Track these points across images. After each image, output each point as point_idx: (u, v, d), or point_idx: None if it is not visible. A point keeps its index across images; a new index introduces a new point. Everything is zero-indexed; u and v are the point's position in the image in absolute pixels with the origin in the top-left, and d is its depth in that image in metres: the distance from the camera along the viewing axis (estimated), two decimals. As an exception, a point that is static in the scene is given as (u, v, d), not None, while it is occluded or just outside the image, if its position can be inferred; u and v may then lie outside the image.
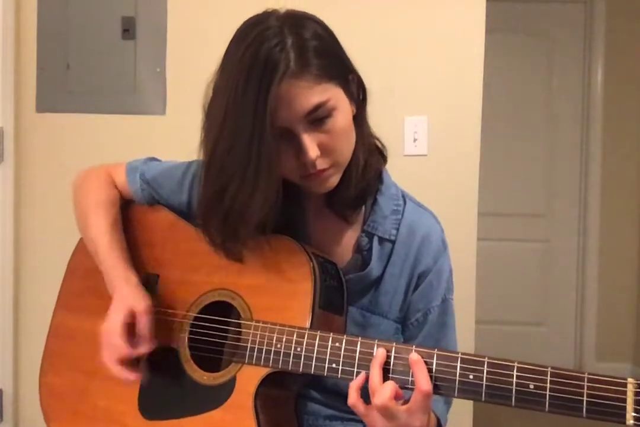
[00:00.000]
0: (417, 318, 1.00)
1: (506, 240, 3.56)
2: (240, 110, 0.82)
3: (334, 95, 0.86)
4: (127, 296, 0.95)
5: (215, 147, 0.86)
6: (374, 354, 0.80)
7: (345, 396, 0.90)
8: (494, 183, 3.28)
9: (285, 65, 0.81)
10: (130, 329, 0.94)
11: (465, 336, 1.79)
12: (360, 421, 1.01)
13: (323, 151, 0.86)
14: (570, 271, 3.61)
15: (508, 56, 3.46)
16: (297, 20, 0.86)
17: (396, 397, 0.77)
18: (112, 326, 0.93)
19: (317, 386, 0.99)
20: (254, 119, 0.81)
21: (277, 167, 0.84)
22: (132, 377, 0.93)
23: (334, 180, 0.92)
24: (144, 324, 0.94)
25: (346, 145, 0.91)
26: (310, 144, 0.85)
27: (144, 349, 0.93)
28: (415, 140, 1.94)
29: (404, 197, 1.03)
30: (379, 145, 1.01)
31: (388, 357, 0.80)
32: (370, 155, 0.96)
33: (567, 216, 3.60)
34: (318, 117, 0.85)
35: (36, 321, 2.00)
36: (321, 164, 0.87)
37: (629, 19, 3.43)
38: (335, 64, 0.88)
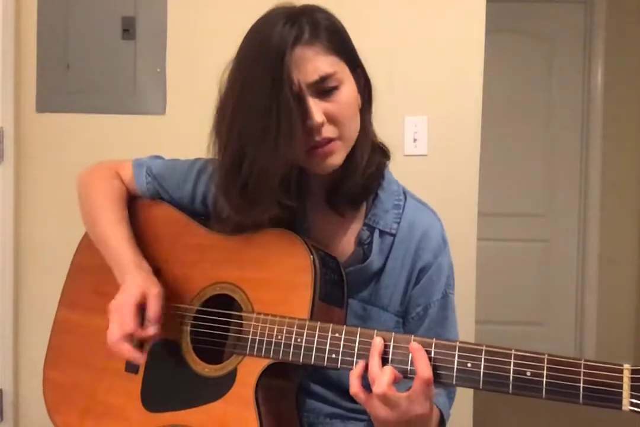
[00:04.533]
0: (418, 312, 1.01)
1: (506, 240, 3.56)
2: (258, 76, 0.85)
3: (342, 70, 0.90)
4: (139, 280, 0.96)
5: (234, 115, 0.88)
6: (372, 343, 0.80)
7: (348, 392, 0.90)
8: (494, 183, 3.28)
9: (299, 33, 0.86)
10: (139, 311, 0.94)
11: (465, 336, 1.78)
12: (362, 420, 1.02)
13: (329, 120, 0.89)
14: (570, 270, 3.61)
15: (508, 56, 3.46)
16: (313, 7, 0.92)
17: (395, 381, 0.78)
18: (125, 302, 0.93)
19: (320, 380, 1.00)
20: (273, 83, 0.84)
21: (297, 128, 0.85)
22: (136, 356, 0.93)
23: (337, 158, 0.92)
24: (155, 307, 0.93)
25: (351, 121, 0.92)
26: (316, 109, 0.87)
27: (152, 331, 0.93)
28: (415, 140, 1.94)
29: (405, 193, 1.05)
30: (381, 144, 1.02)
31: (387, 346, 0.80)
32: (373, 152, 0.97)
33: (567, 215, 3.60)
34: (326, 88, 0.88)
35: (36, 321, 2.00)
36: (327, 132, 0.89)
37: (629, 19, 3.43)
38: (345, 48, 0.92)
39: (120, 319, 0.92)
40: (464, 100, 1.94)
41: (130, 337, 0.92)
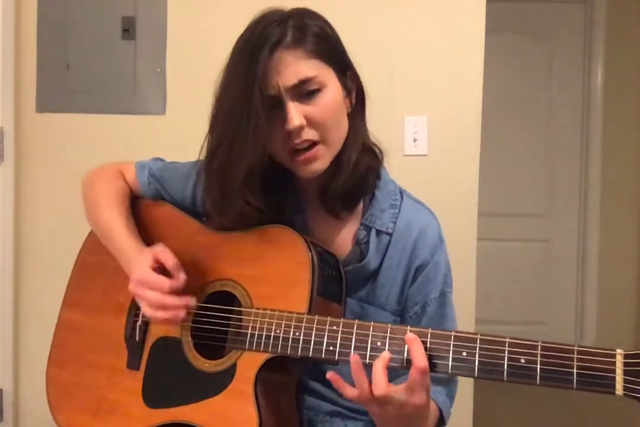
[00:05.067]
0: (416, 311, 1.02)
1: (506, 240, 3.56)
2: (235, 77, 0.88)
3: (325, 74, 0.91)
4: (145, 254, 0.96)
5: (219, 109, 0.92)
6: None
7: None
8: (494, 183, 3.28)
9: (281, 36, 0.87)
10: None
11: (465, 336, 1.79)
12: (361, 420, 1.02)
13: (310, 123, 0.90)
14: (570, 270, 3.61)
15: (508, 56, 3.46)
16: (304, 12, 0.93)
17: (389, 363, 0.78)
18: (143, 270, 0.93)
19: (319, 378, 1.00)
20: (245, 85, 0.86)
21: (263, 131, 0.87)
22: (192, 302, 0.93)
23: (321, 164, 0.93)
24: (170, 257, 0.94)
25: (335, 124, 0.93)
26: (295, 112, 0.88)
27: (182, 277, 0.93)
28: (415, 140, 1.94)
29: (402, 193, 1.06)
30: (375, 147, 1.02)
31: (384, 337, 0.81)
32: (362, 154, 0.98)
33: (567, 215, 3.60)
34: (306, 91, 0.89)
35: (36, 321, 2.00)
36: (307, 134, 0.90)
37: (629, 19, 3.43)
38: (332, 52, 0.93)
39: (148, 286, 0.92)
40: (464, 100, 1.94)
41: (171, 292, 0.92)
